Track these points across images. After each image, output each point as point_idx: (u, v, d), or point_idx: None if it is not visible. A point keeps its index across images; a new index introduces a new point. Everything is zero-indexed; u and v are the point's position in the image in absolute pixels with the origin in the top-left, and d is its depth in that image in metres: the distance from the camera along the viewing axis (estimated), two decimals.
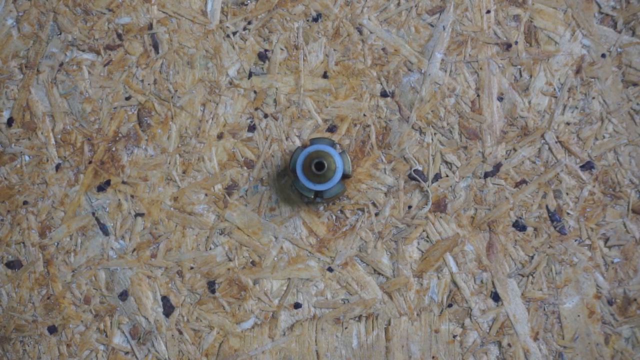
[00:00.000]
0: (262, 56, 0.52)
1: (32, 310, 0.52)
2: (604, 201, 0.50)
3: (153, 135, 0.52)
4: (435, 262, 0.50)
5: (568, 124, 0.51)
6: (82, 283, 0.52)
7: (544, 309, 0.50)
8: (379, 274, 0.51)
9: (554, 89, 0.51)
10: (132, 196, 0.52)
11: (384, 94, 0.52)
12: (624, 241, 0.50)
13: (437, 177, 0.51)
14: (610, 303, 0.50)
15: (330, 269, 0.51)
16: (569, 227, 0.50)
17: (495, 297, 0.50)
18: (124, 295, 0.52)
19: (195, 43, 0.53)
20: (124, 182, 0.52)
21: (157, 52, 0.53)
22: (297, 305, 0.51)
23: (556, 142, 0.51)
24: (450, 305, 0.50)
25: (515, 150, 0.51)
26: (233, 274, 0.51)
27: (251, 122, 0.52)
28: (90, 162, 0.53)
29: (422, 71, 0.51)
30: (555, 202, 0.50)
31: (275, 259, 0.51)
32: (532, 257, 0.50)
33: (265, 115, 0.52)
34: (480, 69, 0.51)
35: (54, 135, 0.53)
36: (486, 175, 0.51)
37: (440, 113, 0.51)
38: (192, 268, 0.51)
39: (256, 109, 0.52)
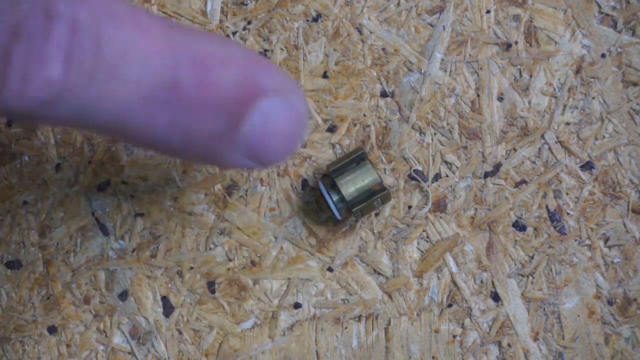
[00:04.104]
0: (262, 56, 0.52)
1: (31, 310, 0.52)
2: (604, 201, 0.50)
3: None
4: (435, 262, 0.50)
5: (568, 124, 0.51)
6: (82, 283, 0.52)
7: (544, 309, 0.50)
8: (379, 274, 0.51)
9: (554, 89, 0.51)
10: (132, 196, 0.52)
11: (384, 94, 0.52)
12: (624, 241, 0.50)
13: (437, 177, 0.51)
14: (610, 303, 0.50)
15: (330, 269, 0.51)
16: (569, 227, 0.50)
17: (495, 297, 0.50)
18: (123, 295, 0.52)
19: None
20: (123, 182, 0.52)
21: None
22: (297, 305, 0.51)
23: (556, 142, 0.51)
24: (450, 305, 0.50)
25: (515, 150, 0.51)
26: (233, 274, 0.51)
27: None
28: (90, 162, 0.53)
29: (422, 71, 0.51)
30: (555, 202, 0.50)
31: (275, 259, 0.51)
32: (532, 257, 0.50)
33: None
34: (480, 69, 0.51)
35: (54, 135, 0.53)
36: (486, 175, 0.51)
37: (440, 113, 0.51)
38: (192, 268, 0.51)
39: None
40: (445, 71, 0.51)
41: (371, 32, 0.52)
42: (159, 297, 0.52)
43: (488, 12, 0.52)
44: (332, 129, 0.52)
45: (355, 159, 0.48)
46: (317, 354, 0.51)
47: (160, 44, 0.24)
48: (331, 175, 0.47)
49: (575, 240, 0.50)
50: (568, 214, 0.50)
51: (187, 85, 0.24)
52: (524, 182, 0.50)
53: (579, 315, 0.50)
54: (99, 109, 0.23)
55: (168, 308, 0.52)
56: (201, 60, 0.24)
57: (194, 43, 0.25)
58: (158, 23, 0.24)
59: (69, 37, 0.22)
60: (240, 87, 0.25)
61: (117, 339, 0.52)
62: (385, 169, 0.51)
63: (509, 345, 0.50)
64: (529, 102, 0.51)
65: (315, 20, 0.52)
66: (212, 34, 0.27)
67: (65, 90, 0.22)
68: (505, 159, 0.51)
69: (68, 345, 0.52)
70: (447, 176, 0.51)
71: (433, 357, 0.50)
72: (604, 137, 0.50)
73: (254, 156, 0.27)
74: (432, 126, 0.51)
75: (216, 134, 0.25)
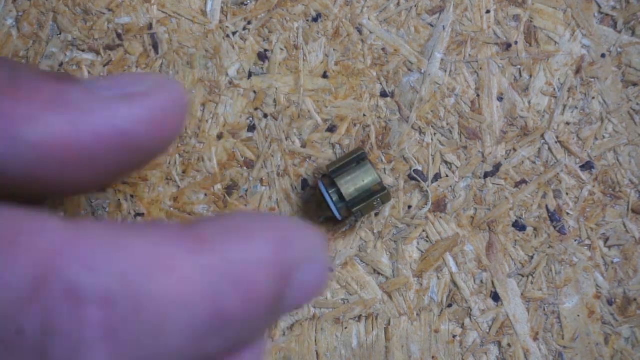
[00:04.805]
0: (262, 56, 0.52)
1: None
2: (604, 201, 0.50)
3: None
4: (435, 262, 0.50)
5: (568, 124, 0.51)
6: None
7: (544, 309, 0.50)
8: (379, 274, 0.51)
9: (554, 89, 0.51)
10: (132, 196, 0.52)
11: (383, 94, 0.52)
12: (624, 241, 0.50)
13: (437, 177, 0.51)
14: (610, 303, 0.50)
15: (330, 269, 0.51)
16: (568, 227, 0.50)
17: (495, 297, 0.50)
18: None
19: (195, 43, 0.53)
20: (123, 182, 0.52)
21: (157, 52, 0.53)
22: None
23: (556, 142, 0.51)
24: (450, 305, 0.50)
25: (515, 150, 0.51)
26: None
27: (251, 122, 0.52)
28: None
29: (422, 71, 0.51)
30: (555, 202, 0.50)
31: None
32: (532, 257, 0.50)
33: (265, 115, 0.52)
34: (480, 69, 0.51)
35: None
36: (486, 175, 0.51)
37: (440, 113, 0.51)
38: None
39: (256, 109, 0.52)
40: (445, 71, 0.51)
41: (371, 32, 0.52)
42: None
43: (488, 12, 0.52)
44: (332, 129, 0.52)
45: (355, 159, 0.48)
46: (317, 354, 0.51)
47: (192, 274, 0.22)
48: (331, 176, 0.47)
49: (575, 240, 0.50)
50: (568, 214, 0.50)
51: (232, 309, 0.23)
52: (524, 182, 0.50)
53: (579, 315, 0.50)
54: None
55: None
56: (242, 275, 0.23)
57: (227, 252, 0.23)
58: (182, 245, 0.23)
59: (105, 315, 0.20)
60: (276, 276, 0.25)
61: None
62: (385, 169, 0.51)
63: (509, 345, 0.50)
64: (529, 102, 0.51)
65: (315, 20, 0.52)
66: (234, 222, 0.26)
67: None
68: (505, 159, 0.51)
69: None
70: (447, 176, 0.51)
71: (433, 357, 0.50)
72: (603, 137, 0.50)
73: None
74: (432, 126, 0.51)
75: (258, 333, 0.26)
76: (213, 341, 0.23)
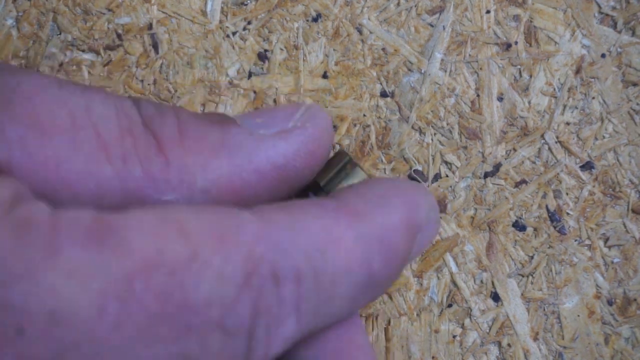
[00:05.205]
0: (262, 56, 0.52)
1: None
2: (604, 201, 0.50)
3: None
4: (435, 262, 0.50)
5: (568, 124, 0.51)
6: None
7: (544, 309, 0.50)
8: None
9: (554, 89, 0.51)
10: None
11: (383, 94, 0.52)
12: (624, 241, 0.50)
13: (436, 177, 0.51)
14: (610, 303, 0.50)
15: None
16: (568, 227, 0.50)
17: (495, 297, 0.50)
18: None
19: (195, 43, 0.53)
20: None
21: (157, 52, 0.53)
22: None
23: (556, 142, 0.51)
24: (450, 306, 0.50)
25: (515, 150, 0.51)
26: None
27: None
28: None
29: (422, 71, 0.51)
30: (555, 202, 0.50)
31: None
32: (532, 257, 0.50)
33: None
34: (480, 69, 0.51)
35: None
36: (486, 175, 0.51)
37: (440, 113, 0.51)
38: None
39: (256, 109, 0.52)
40: (445, 71, 0.51)
41: (371, 32, 0.52)
42: None
43: (488, 12, 0.52)
44: None
45: (344, 166, 0.47)
46: None
47: (353, 245, 0.26)
48: (324, 189, 0.47)
49: (575, 240, 0.50)
50: (568, 214, 0.50)
51: (379, 270, 0.26)
52: (524, 182, 0.51)
53: (579, 315, 0.50)
54: (317, 329, 0.26)
55: None
56: (386, 239, 0.27)
57: (373, 221, 0.27)
58: (345, 218, 0.26)
59: (296, 291, 0.23)
60: (409, 236, 0.29)
61: None
62: (385, 169, 0.51)
63: (509, 345, 0.50)
64: (529, 102, 0.51)
65: (315, 20, 0.52)
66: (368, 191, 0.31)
67: (299, 337, 0.24)
68: (505, 159, 0.51)
69: None
70: (447, 176, 0.51)
71: (433, 357, 0.50)
72: (603, 137, 0.50)
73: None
74: (432, 126, 0.51)
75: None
76: (362, 299, 0.27)
